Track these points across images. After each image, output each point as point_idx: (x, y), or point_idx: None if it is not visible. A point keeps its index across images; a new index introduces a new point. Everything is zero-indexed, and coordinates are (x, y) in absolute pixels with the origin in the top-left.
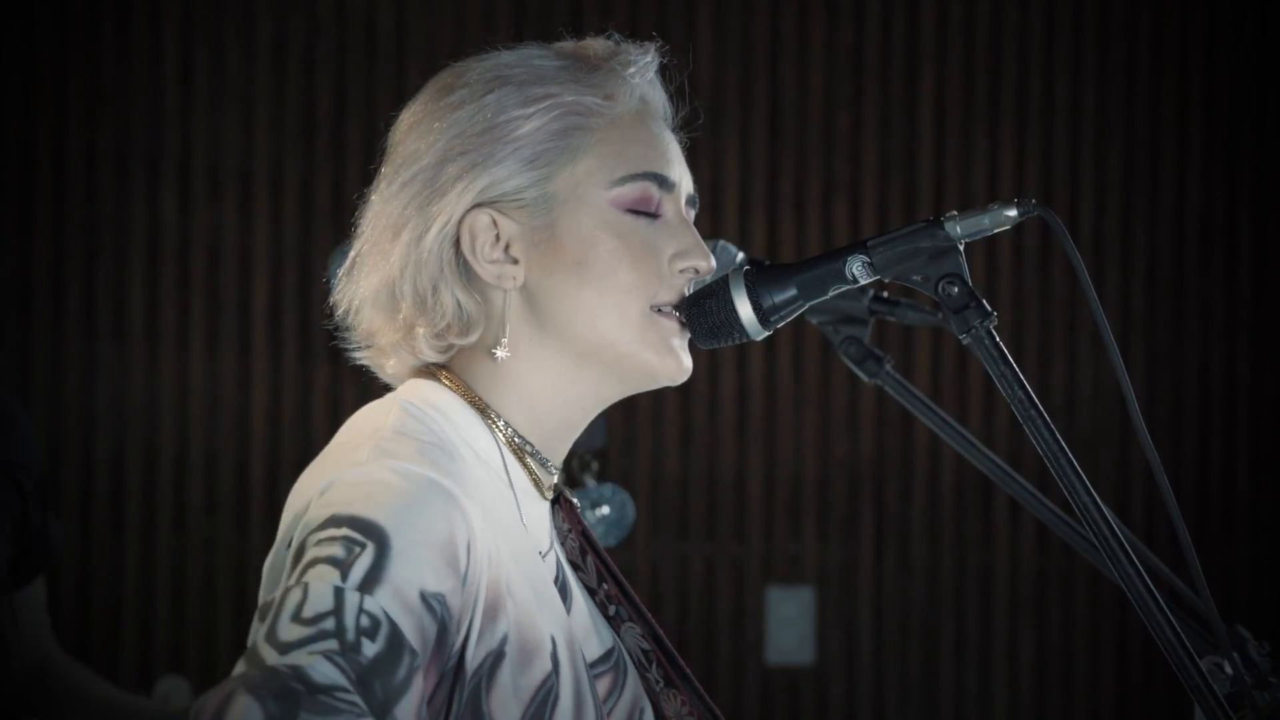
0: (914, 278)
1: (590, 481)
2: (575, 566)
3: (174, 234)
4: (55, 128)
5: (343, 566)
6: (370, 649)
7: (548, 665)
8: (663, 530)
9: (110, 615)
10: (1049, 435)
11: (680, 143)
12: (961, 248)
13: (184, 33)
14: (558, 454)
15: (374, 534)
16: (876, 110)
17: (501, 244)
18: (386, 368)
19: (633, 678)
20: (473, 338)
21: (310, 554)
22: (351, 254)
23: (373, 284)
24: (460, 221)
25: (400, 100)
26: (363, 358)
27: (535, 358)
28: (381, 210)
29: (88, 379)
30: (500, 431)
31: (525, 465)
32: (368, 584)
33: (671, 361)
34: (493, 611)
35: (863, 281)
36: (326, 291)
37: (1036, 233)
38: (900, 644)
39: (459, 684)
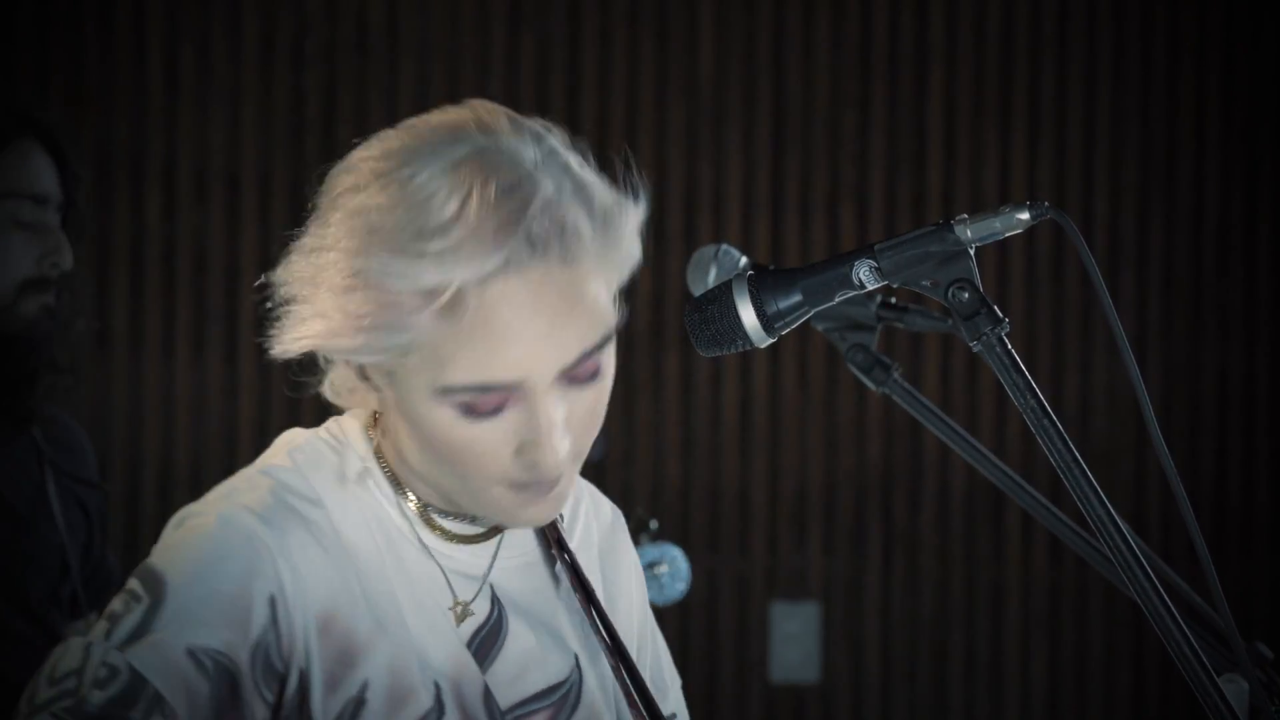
0: (923, 283)
1: (645, 542)
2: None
3: (158, 238)
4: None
5: (112, 622)
6: (98, 697)
7: (426, 704)
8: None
9: None
10: (1062, 445)
11: (603, 244)
12: (972, 252)
13: (168, 30)
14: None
15: (154, 588)
16: (884, 110)
17: (355, 365)
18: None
19: (586, 707)
20: (357, 407)
21: (108, 607)
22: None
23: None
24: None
25: (393, 100)
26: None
27: (412, 462)
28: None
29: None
30: (409, 499)
31: (434, 527)
32: (127, 642)
33: (514, 522)
34: (346, 660)
35: (870, 287)
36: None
37: (1049, 236)
38: (908, 661)
39: None
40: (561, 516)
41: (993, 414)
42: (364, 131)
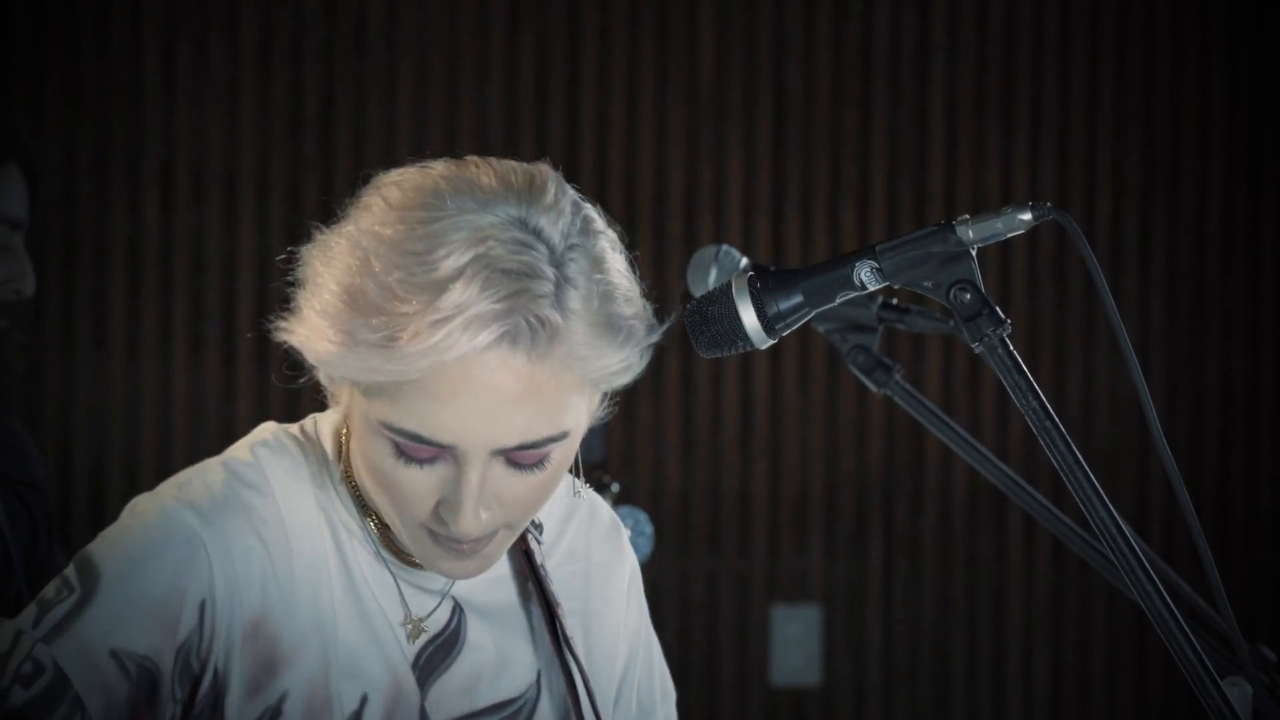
0: (924, 284)
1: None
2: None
3: (155, 238)
4: (32, 128)
5: (43, 609)
6: (21, 696)
7: None
8: (664, 546)
9: None
10: (1065, 448)
11: (572, 357)
12: (974, 253)
13: (166, 29)
14: None
15: (88, 579)
16: (886, 109)
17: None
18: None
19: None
20: (332, 410)
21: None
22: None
23: None
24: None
25: (392, 100)
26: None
27: (359, 472)
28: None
29: (66, 389)
30: (370, 515)
31: (391, 543)
32: (54, 632)
33: (433, 569)
34: (268, 668)
35: (871, 288)
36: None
37: (1052, 237)
38: (910, 664)
39: None
40: (540, 528)
41: (995, 416)
42: (363, 132)
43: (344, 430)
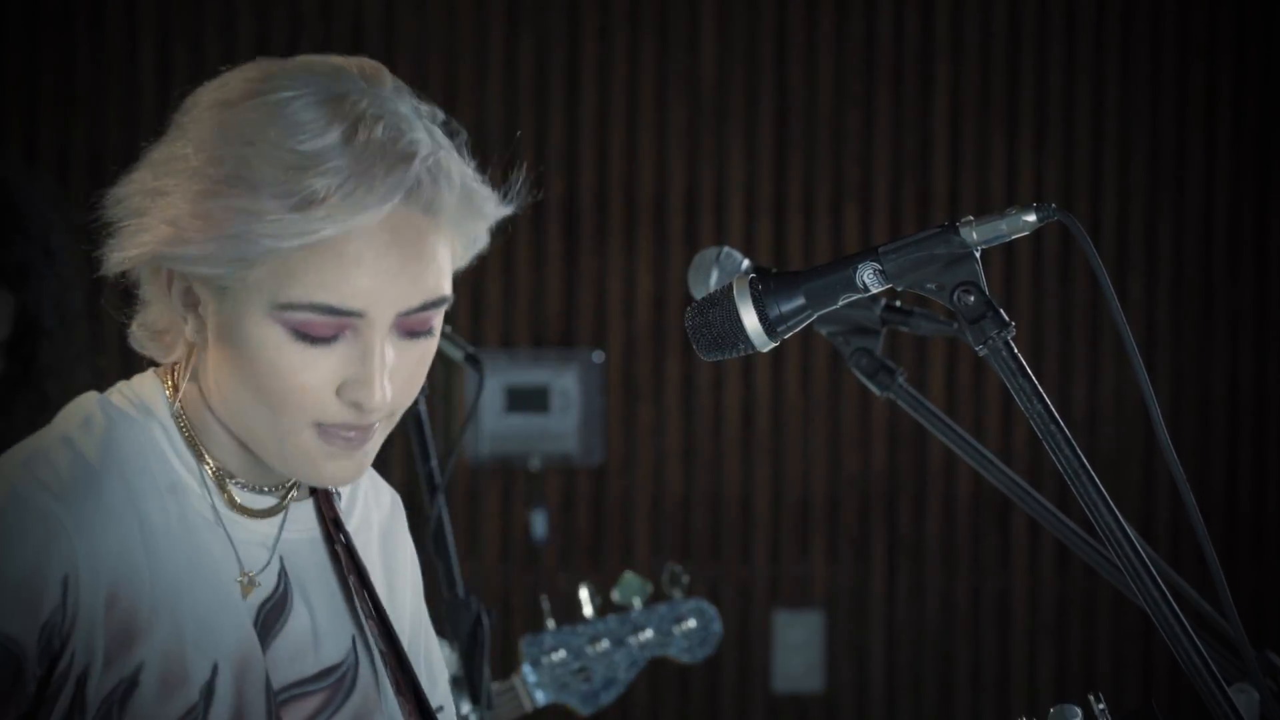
0: (928, 286)
1: (678, 594)
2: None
3: None
4: (26, 129)
5: None
6: None
7: (194, 697)
8: (664, 551)
9: None
10: (1070, 451)
11: (467, 211)
12: (978, 254)
13: (161, 29)
14: (272, 479)
15: None
16: (889, 109)
17: (181, 286)
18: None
19: (361, 693)
20: (164, 353)
21: None
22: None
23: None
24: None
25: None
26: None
27: (221, 401)
28: (138, 171)
29: (61, 398)
30: (207, 462)
31: (227, 493)
32: None
33: (312, 476)
34: (124, 639)
35: (874, 290)
36: None
37: (1057, 239)
38: (913, 671)
39: (79, 715)
40: (339, 495)
41: (999, 419)
42: None
43: (174, 371)
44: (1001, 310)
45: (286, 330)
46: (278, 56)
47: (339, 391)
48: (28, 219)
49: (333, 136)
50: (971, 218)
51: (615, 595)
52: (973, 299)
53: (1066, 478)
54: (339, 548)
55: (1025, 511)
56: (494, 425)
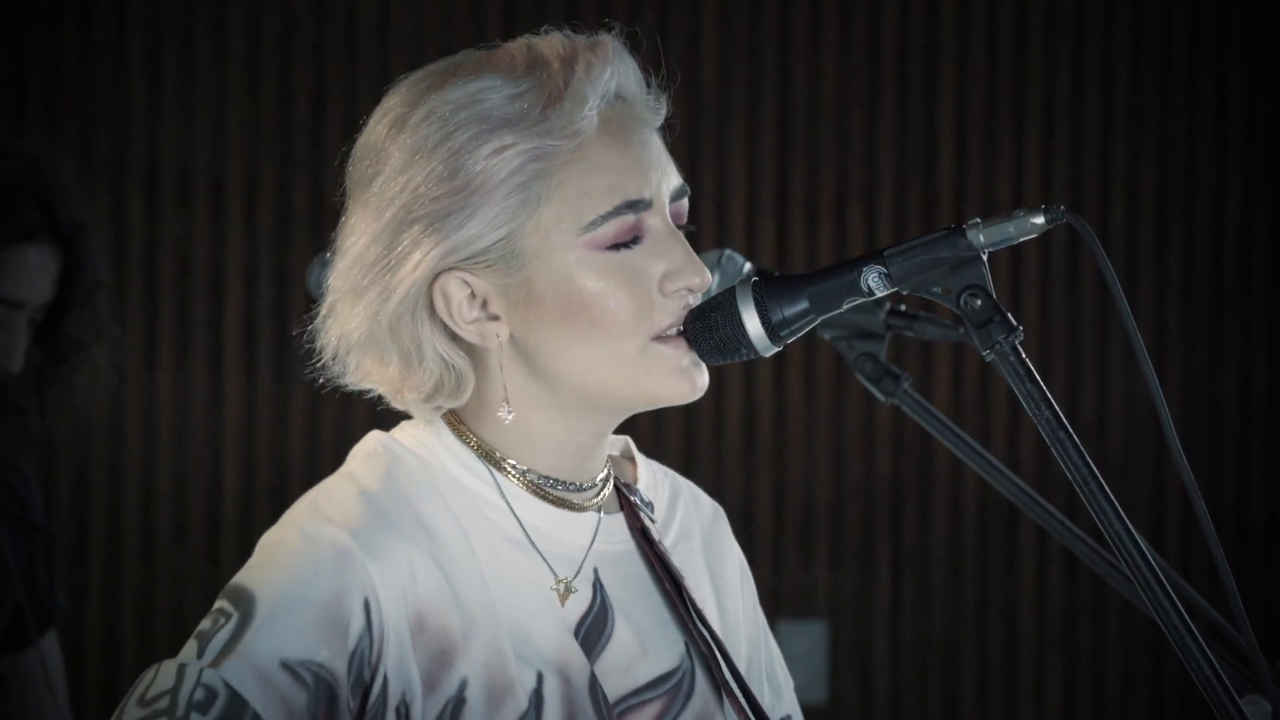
0: (934, 289)
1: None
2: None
3: (140, 243)
4: (13, 129)
5: (202, 641)
6: None
7: (523, 704)
8: None
9: (72, 654)
10: (1079, 459)
11: (656, 113)
12: (985, 257)
13: (151, 27)
14: (585, 474)
15: (243, 603)
16: (893, 110)
17: (478, 301)
18: (395, 400)
19: (700, 695)
20: (464, 398)
21: (196, 630)
22: (330, 292)
23: (353, 332)
24: (430, 287)
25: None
26: (371, 387)
27: (535, 407)
28: (343, 263)
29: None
30: (510, 474)
31: (542, 495)
32: (219, 657)
33: (681, 386)
34: (443, 660)
35: (879, 294)
36: (304, 305)
37: (1065, 242)
38: (919, 682)
39: None
40: (652, 507)
41: (1006, 426)
42: (354, 133)
43: (500, 410)
44: (1009, 315)
45: (600, 250)
46: (269, 55)
47: (662, 289)
48: (69, 188)
49: (523, 67)
50: (978, 220)
51: None
52: (980, 303)
53: (1075, 486)
54: (653, 558)
55: (1033, 520)
56: None
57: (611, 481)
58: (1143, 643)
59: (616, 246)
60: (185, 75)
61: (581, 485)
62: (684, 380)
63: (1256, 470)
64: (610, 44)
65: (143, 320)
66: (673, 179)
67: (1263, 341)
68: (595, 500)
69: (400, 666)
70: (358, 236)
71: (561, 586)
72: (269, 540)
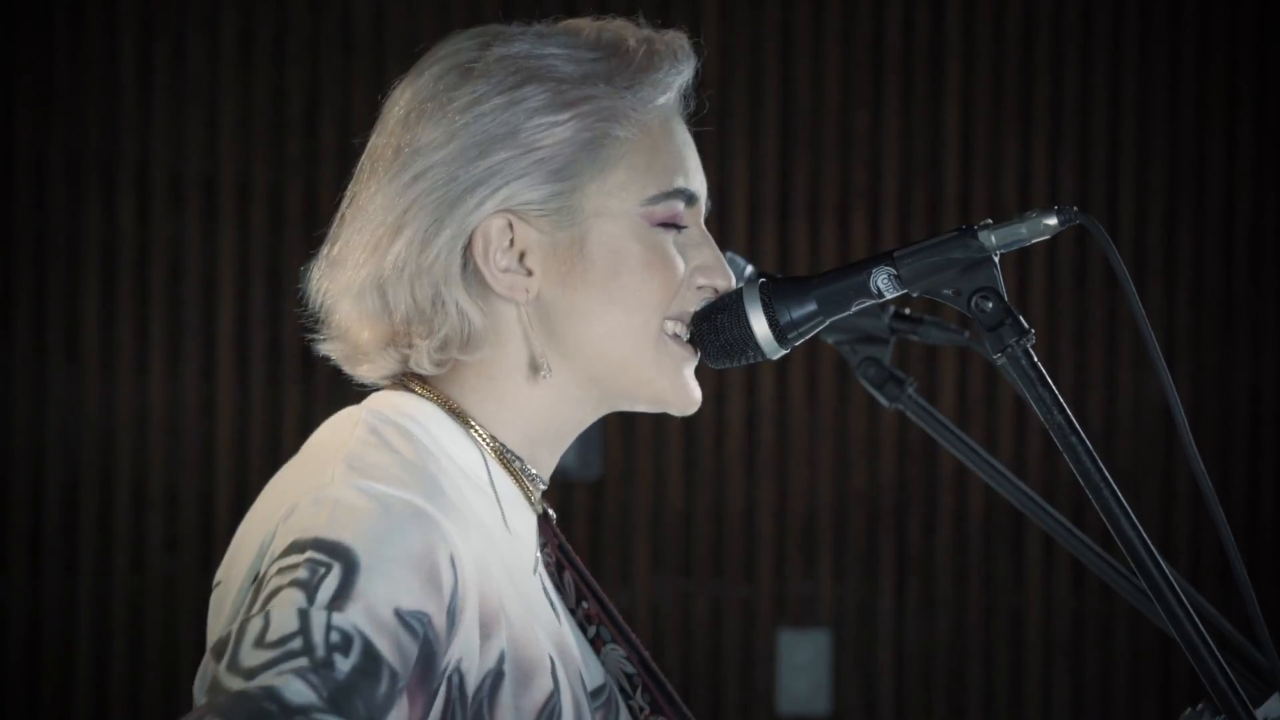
0: (944, 292)
1: None
2: (557, 586)
3: (131, 245)
4: (2, 130)
5: (307, 588)
6: (344, 664)
7: (549, 684)
8: (665, 568)
9: (62, 662)
10: (1091, 464)
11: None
12: (997, 259)
13: (142, 26)
14: (545, 466)
15: (340, 554)
16: (898, 110)
17: (515, 252)
18: (360, 370)
19: (626, 712)
20: (476, 354)
21: (272, 583)
22: (337, 238)
23: (359, 279)
24: (475, 227)
25: (380, 99)
26: (331, 351)
27: (536, 376)
28: (380, 200)
29: (37, 403)
30: (485, 442)
31: (513, 475)
32: (336, 602)
33: (684, 392)
34: (488, 629)
35: (889, 296)
36: (298, 308)
37: (1072, 243)
38: (923, 692)
39: (461, 708)
40: (552, 517)
41: (1012, 431)
42: (348, 134)
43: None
44: (1020, 317)
45: (653, 224)
46: (262, 53)
47: (691, 281)
48: None
49: (594, 37)
50: (990, 221)
51: None
52: (991, 305)
53: (1088, 491)
54: (568, 575)
55: (1040, 527)
56: None
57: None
58: (1151, 653)
59: (665, 226)
60: (177, 74)
61: (535, 476)
62: (685, 388)
63: (1267, 475)
64: (684, 39)
65: (134, 323)
66: (705, 182)
67: (1273, 344)
68: (540, 503)
69: (468, 630)
70: (405, 169)
71: (536, 575)
72: (322, 499)
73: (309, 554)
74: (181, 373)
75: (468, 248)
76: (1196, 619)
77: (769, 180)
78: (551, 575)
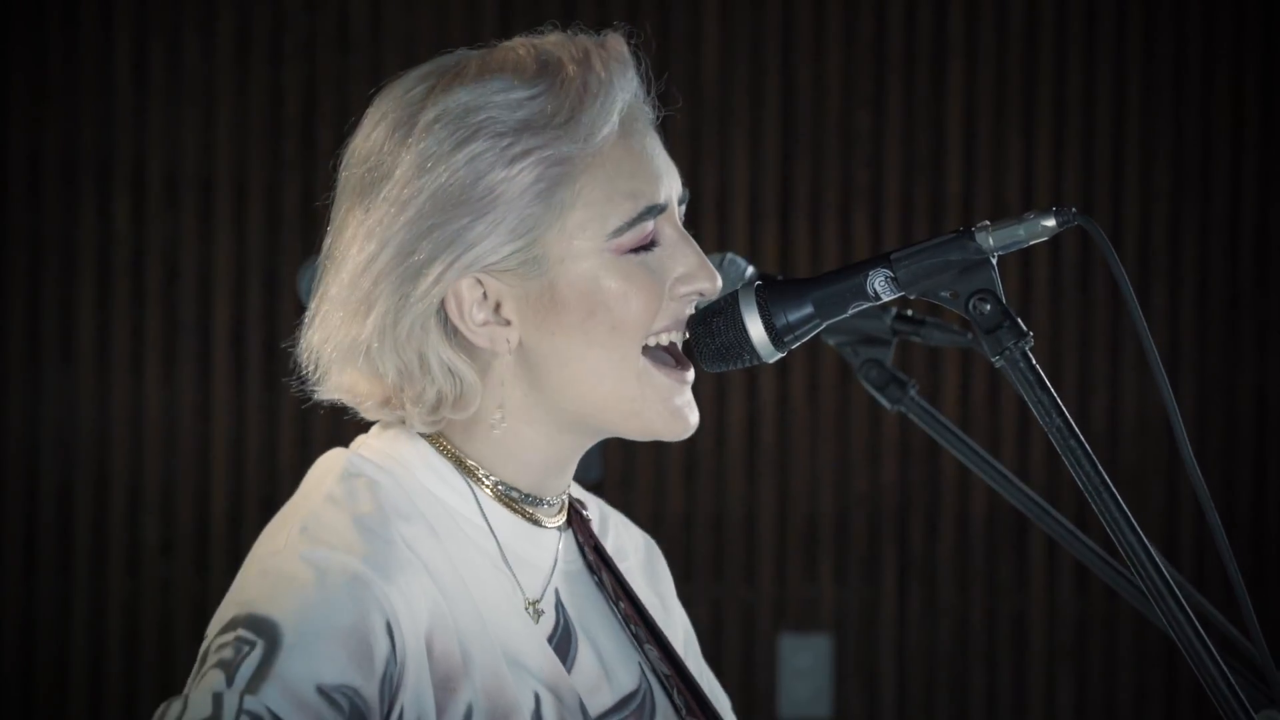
0: (942, 294)
1: None
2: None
3: (127, 246)
4: None
5: (229, 669)
6: None
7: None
8: None
9: (56, 666)
10: (1090, 467)
11: (655, 116)
12: (995, 261)
13: (137, 25)
14: (554, 489)
15: (265, 631)
16: (900, 109)
17: (490, 304)
18: (364, 409)
19: (663, 714)
20: (471, 409)
21: (206, 661)
22: (314, 302)
23: (345, 342)
24: (444, 295)
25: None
26: (331, 397)
27: (524, 420)
28: (349, 269)
29: (32, 405)
30: (485, 486)
31: (516, 510)
32: (252, 684)
33: (674, 421)
34: (449, 684)
35: (886, 298)
36: (295, 310)
37: (1075, 245)
38: (926, 697)
39: None
40: (591, 519)
41: (1015, 434)
42: (345, 134)
43: (493, 419)
44: (1019, 319)
45: (622, 254)
46: (259, 53)
47: (674, 292)
48: None
49: (534, 68)
50: (988, 222)
51: None
52: (989, 307)
53: (1087, 495)
54: (604, 575)
55: (1043, 530)
56: None
57: (569, 499)
58: (1156, 657)
59: (637, 250)
60: (172, 73)
61: (548, 500)
62: (675, 417)
63: (1273, 479)
64: (621, 45)
65: (129, 324)
66: (677, 183)
67: (1278, 348)
68: (559, 518)
69: (417, 692)
70: (366, 243)
71: (531, 610)
72: (267, 569)
73: (238, 632)
74: (177, 374)
75: (442, 308)
76: (1198, 624)
77: (770, 180)
78: (593, 576)
